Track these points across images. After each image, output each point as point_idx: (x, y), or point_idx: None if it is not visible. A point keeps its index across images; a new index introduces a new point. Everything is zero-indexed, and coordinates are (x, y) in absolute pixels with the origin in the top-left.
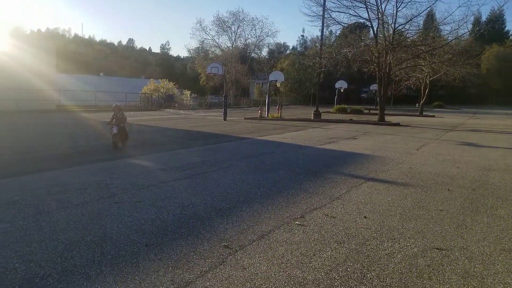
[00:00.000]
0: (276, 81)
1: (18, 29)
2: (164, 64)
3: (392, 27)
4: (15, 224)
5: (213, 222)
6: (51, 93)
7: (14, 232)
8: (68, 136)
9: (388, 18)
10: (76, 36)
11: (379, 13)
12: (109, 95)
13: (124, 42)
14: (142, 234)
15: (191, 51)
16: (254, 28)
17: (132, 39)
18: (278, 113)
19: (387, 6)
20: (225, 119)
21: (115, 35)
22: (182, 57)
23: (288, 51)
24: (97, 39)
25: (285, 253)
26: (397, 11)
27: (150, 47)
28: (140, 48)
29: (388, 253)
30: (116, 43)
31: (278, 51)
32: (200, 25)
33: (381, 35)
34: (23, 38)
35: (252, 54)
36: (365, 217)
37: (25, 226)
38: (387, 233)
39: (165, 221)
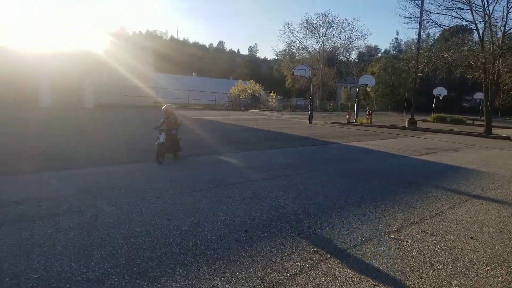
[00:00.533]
0: (366, 85)
1: (123, 30)
2: (251, 66)
3: (501, 30)
4: (120, 207)
5: (301, 225)
6: (149, 91)
7: (119, 214)
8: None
9: (497, 20)
10: (172, 38)
11: (486, 15)
12: (200, 94)
13: (214, 44)
14: (233, 229)
15: (278, 53)
16: (343, 31)
17: (222, 41)
18: (367, 118)
19: (496, 7)
20: (310, 122)
21: (207, 38)
22: (268, 59)
23: (379, 54)
24: (191, 41)
25: (380, 266)
26: (507, 13)
27: (238, 49)
28: (230, 50)
29: (502, 282)
30: (207, 45)
31: (369, 54)
32: (288, 27)
33: (488, 39)
34: (127, 39)
35: (341, 57)
36: (471, 237)
37: (129, 210)
38: (500, 258)
39: (254, 219)
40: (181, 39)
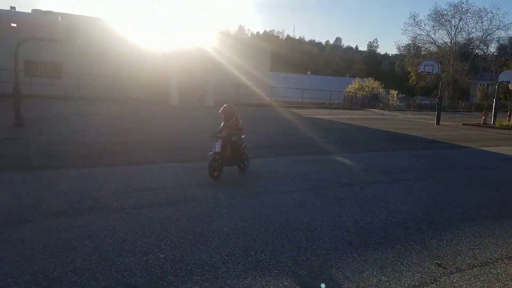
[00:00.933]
0: (508, 82)
1: (241, 32)
2: (370, 62)
3: None
4: (236, 200)
5: (423, 234)
6: (264, 90)
7: (234, 207)
8: (281, 129)
9: None
10: (288, 37)
11: None
12: (314, 93)
13: (331, 41)
14: (346, 231)
15: (401, 48)
16: (480, 21)
17: (339, 37)
18: (508, 120)
19: None
20: (437, 123)
21: (323, 35)
22: (390, 55)
23: None
24: (307, 39)
25: None
26: None
27: (356, 45)
28: (347, 46)
29: None
30: (323, 43)
31: None
32: (414, 20)
33: None
34: (244, 40)
35: (476, 51)
36: None
37: (243, 203)
38: None
39: (369, 223)
40: (297, 37)
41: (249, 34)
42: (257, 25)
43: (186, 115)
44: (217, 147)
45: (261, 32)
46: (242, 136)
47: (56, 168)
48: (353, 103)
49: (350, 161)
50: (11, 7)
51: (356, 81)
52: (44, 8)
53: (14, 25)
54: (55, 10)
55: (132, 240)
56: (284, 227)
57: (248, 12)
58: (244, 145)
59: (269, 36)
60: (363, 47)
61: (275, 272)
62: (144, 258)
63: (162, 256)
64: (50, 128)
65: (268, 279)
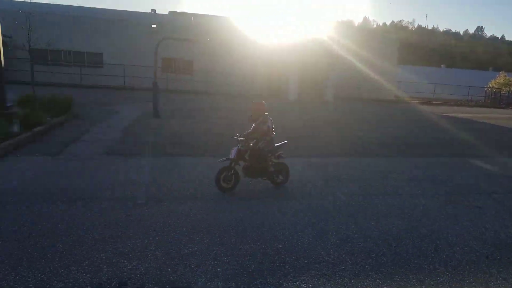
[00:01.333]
0: None
1: (366, 23)
2: None
3: None
4: (354, 198)
5: None
6: (390, 84)
7: (353, 205)
8: (408, 127)
9: None
10: (419, 27)
11: None
12: (449, 88)
13: (471, 31)
14: (482, 243)
15: None
16: None
17: (481, 26)
18: None
19: None
20: None
21: (462, 24)
22: None
23: None
24: (441, 29)
25: None
26: None
27: (503, 35)
28: (490, 36)
29: None
30: (461, 32)
31: None
32: None
33: None
34: (370, 31)
35: None
36: None
37: (362, 202)
38: None
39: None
40: (430, 27)
41: (375, 25)
42: (384, 15)
43: (302, 111)
44: (233, 153)
45: (388, 23)
46: (281, 143)
47: (186, 155)
48: (496, 100)
49: (491, 166)
50: (151, 9)
51: (502, 75)
52: (179, 10)
53: (154, 26)
54: (189, 11)
55: (252, 228)
56: (409, 232)
57: (375, 2)
58: (278, 153)
59: (397, 27)
60: (511, 37)
61: (397, 277)
62: (263, 246)
63: (280, 246)
64: (182, 119)
65: (390, 283)
